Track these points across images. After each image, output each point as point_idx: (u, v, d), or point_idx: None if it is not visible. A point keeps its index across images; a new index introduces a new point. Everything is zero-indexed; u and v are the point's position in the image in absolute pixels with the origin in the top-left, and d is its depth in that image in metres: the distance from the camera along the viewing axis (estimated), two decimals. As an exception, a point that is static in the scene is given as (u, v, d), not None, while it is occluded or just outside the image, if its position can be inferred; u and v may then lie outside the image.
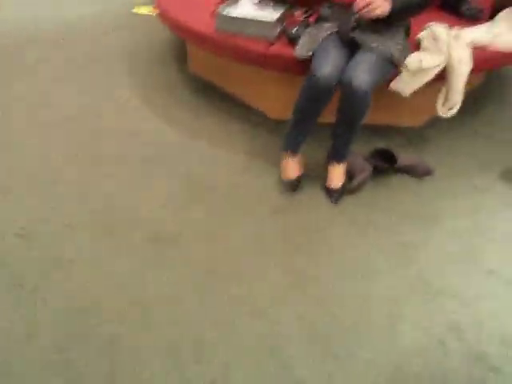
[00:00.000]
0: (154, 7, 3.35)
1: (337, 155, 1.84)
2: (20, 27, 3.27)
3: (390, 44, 1.74)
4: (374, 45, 1.71)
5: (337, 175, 1.86)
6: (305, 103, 1.73)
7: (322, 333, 1.35)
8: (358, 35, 1.74)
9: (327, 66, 1.64)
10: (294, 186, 1.88)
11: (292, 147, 1.87)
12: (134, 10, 3.58)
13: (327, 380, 1.24)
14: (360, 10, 1.62)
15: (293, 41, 1.92)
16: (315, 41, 1.78)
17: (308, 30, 1.89)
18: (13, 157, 2.06)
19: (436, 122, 2.20)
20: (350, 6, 1.67)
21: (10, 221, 1.73)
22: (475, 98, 2.45)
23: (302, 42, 1.85)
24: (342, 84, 1.65)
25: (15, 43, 3.07)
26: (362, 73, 1.61)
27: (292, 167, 1.88)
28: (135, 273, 1.53)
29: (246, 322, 1.38)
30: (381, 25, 1.71)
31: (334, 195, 1.84)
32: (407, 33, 1.90)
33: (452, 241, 1.68)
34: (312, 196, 1.87)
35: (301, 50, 1.82)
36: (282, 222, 1.75)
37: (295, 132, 1.84)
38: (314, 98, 1.70)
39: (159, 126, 2.27)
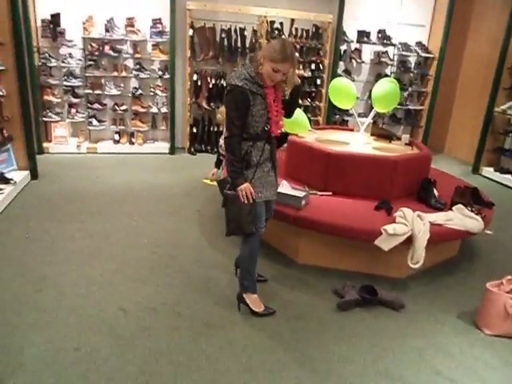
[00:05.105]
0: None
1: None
2: (117, 187, 4.64)
3: None
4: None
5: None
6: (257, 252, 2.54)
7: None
8: None
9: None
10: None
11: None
12: (204, 180, 4.89)
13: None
14: None
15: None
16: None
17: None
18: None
19: (418, 276, 2.98)
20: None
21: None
22: (449, 265, 3.26)
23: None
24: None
25: (115, 197, 4.36)
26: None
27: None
28: None
29: None
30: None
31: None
32: None
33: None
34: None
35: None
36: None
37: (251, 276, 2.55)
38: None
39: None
